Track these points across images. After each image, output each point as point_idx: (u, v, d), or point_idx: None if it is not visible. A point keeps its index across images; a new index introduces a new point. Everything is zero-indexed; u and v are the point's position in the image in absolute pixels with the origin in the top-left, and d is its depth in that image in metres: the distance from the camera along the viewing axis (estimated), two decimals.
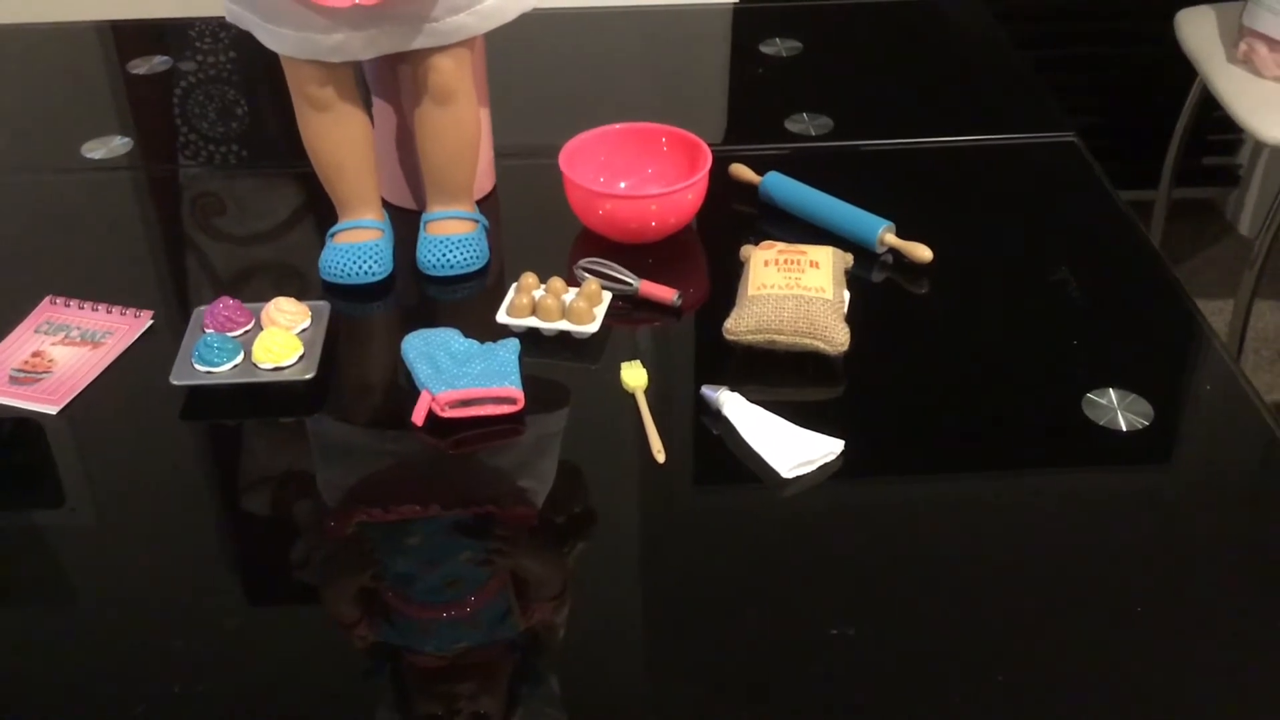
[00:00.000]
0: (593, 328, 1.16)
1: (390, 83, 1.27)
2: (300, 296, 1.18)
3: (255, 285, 1.27)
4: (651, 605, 0.94)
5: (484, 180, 1.36)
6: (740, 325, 1.13)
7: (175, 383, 1.10)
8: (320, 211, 1.31)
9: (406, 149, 1.31)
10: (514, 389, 1.07)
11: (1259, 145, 2.55)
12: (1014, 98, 1.57)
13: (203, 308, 1.17)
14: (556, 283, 1.18)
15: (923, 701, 0.85)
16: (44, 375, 1.13)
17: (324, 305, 1.18)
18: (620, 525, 1.01)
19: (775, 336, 1.12)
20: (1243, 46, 2.00)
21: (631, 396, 1.10)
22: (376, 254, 1.24)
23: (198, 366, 1.11)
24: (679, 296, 1.20)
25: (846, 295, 1.17)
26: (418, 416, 1.06)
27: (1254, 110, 1.93)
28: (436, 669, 0.89)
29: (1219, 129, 2.56)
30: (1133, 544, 0.97)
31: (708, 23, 1.79)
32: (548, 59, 1.68)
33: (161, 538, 1.00)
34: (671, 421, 1.08)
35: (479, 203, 1.33)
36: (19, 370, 1.14)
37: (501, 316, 1.17)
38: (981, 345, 1.17)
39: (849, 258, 1.22)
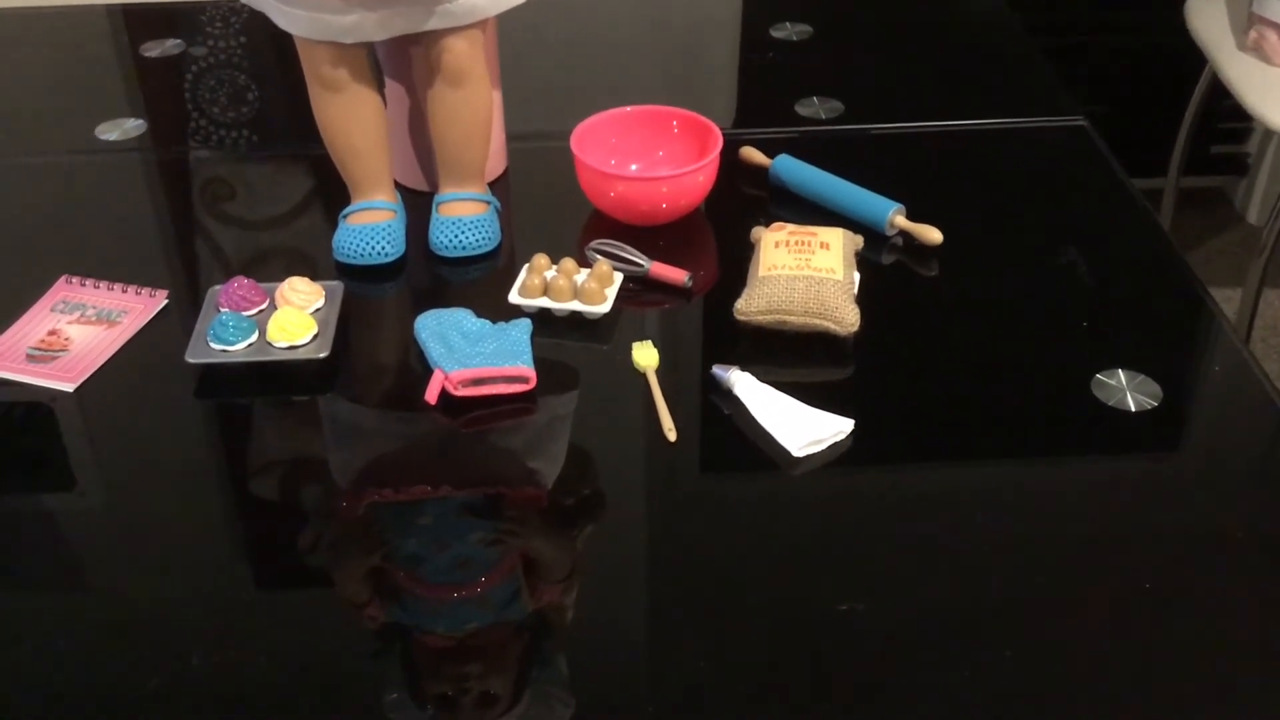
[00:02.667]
0: (604, 308, 1.16)
1: (403, 64, 1.28)
2: (313, 278, 1.19)
3: (268, 267, 1.27)
4: (661, 585, 0.95)
5: (496, 162, 1.37)
6: (751, 306, 1.13)
7: (190, 361, 1.11)
8: (332, 195, 1.32)
9: (419, 130, 1.31)
10: (526, 368, 1.08)
11: (1268, 133, 2.55)
12: (1024, 82, 1.58)
13: (217, 287, 1.18)
14: (568, 264, 1.19)
15: (932, 676, 0.86)
16: (60, 353, 1.14)
17: (337, 285, 1.19)
18: (630, 504, 1.02)
19: (786, 317, 1.12)
20: (1253, 34, 2.00)
21: (643, 376, 1.11)
22: (389, 235, 1.24)
23: (213, 345, 1.11)
24: (690, 278, 1.20)
25: (856, 276, 1.18)
26: (431, 395, 1.06)
27: (1264, 98, 1.93)
28: (446, 649, 0.90)
29: (1228, 117, 2.55)
30: (1140, 522, 0.98)
31: (718, 6, 1.79)
32: (559, 42, 1.68)
33: (175, 514, 1.01)
34: (682, 401, 1.09)
35: (491, 185, 1.34)
36: (36, 349, 1.15)
37: (513, 297, 1.18)
38: (990, 326, 1.18)
39: (859, 239, 1.23)
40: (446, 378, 1.07)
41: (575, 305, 1.17)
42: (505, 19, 1.22)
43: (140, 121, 1.50)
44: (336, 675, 0.89)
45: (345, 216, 1.26)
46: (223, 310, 1.15)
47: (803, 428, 1.04)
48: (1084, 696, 0.84)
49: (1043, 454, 1.05)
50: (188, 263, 1.30)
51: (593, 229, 1.29)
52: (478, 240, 1.25)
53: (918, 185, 1.31)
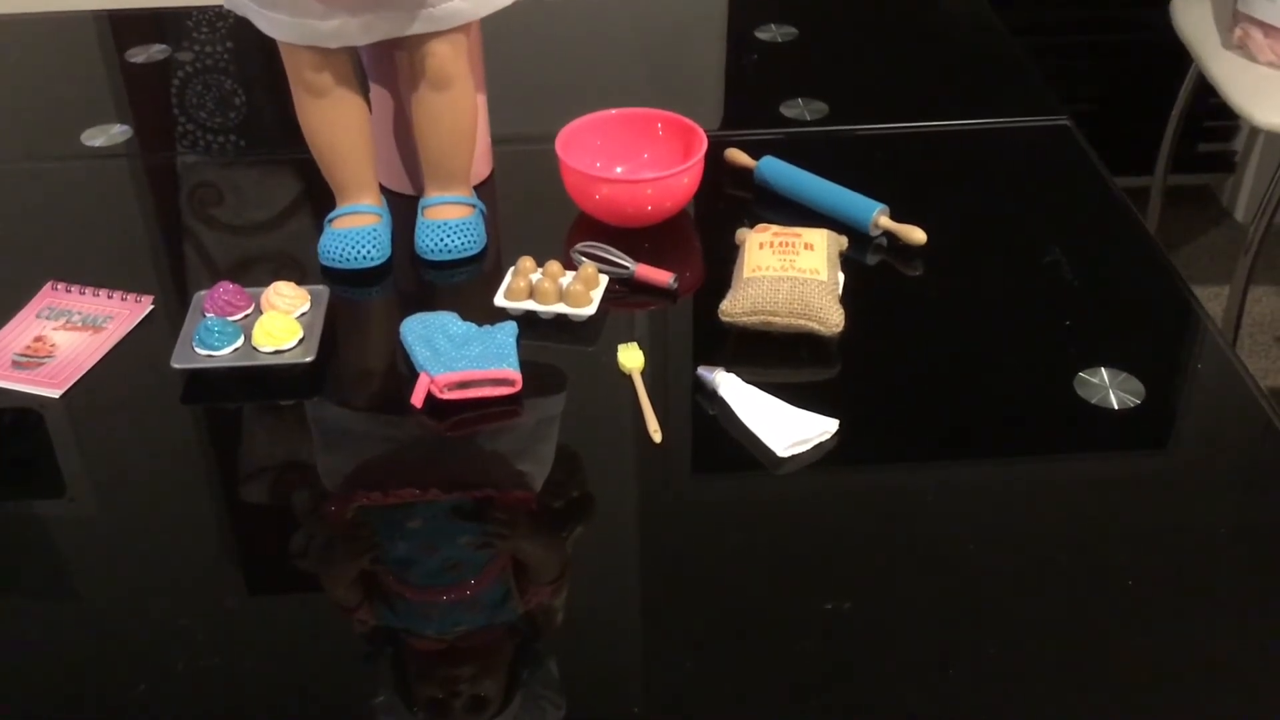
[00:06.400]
0: (589, 310, 1.17)
1: (387, 68, 1.28)
2: (299, 283, 1.19)
3: (254, 272, 1.27)
4: (649, 586, 0.95)
5: (481, 165, 1.37)
6: (736, 307, 1.14)
7: (176, 366, 1.11)
8: (318, 200, 1.32)
9: (404, 134, 1.31)
10: (512, 371, 1.08)
11: (1254, 131, 2.56)
12: (1007, 82, 1.58)
13: (202, 292, 1.18)
14: (553, 266, 1.19)
15: (918, 674, 0.86)
16: (46, 360, 1.14)
17: (323, 290, 1.19)
18: (617, 506, 1.02)
19: (770, 318, 1.13)
20: (1238, 32, 2.00)
21: (628, 378, 1.11)
22: (375, 239, 1.25)
23: (198, 350, 1.12)
24: (675, 279, 1.21)
25: (841, 277, 1.18)
26: (416, 398, 1.07)
27: (1249, 96, 1.93)
28: (436, 652, 0.90)
29: (1214, 115, 2.57)
30: (1123, 520, 0.98)
31: (703, 8, 1.79)
32: (544, 45, 1.68)
33: (161, 519, 1.01)
34: (668, 402, 1.09)
35: (476, 188, 1.34)
36: (21, 355, 1.15)
37: (499, 300, 1.18)
38: (974, 326, 1.18)
39: (843, 240, 1.23)
40: (432, 381, 1.07)
41: (561, 308, 1.17)
42: (490, 22, 1.22)
43: (126, 127, 1.50)
44: (326, 679, 0.89)
45: (330, 221, 1.26)
46: (208, 315, 1.15)
47: (787, 428, 1.04)
48: (1068, 694, 0.85)
49: (1026, 452, 1.06)
50: (173, 268, 1.30)
51: (578, 231, 1.29)
52: (463, 243, 1.25)
53: (902, 186, 1.32)
